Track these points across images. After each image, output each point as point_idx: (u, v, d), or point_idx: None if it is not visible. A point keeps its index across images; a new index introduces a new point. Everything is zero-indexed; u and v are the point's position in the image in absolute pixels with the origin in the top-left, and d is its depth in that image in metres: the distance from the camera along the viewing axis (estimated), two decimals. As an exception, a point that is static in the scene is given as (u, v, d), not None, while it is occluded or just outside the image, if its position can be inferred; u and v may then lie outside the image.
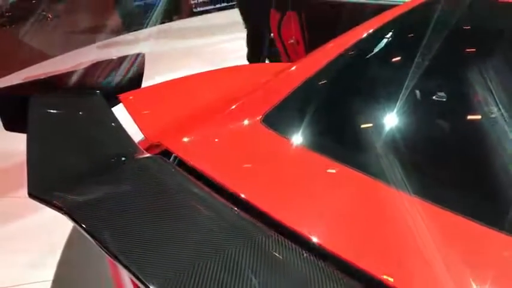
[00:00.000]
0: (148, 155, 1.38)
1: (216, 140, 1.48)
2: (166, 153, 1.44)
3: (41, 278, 2.62)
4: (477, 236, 1.04)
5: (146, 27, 8.81)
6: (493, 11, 1.90)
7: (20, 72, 6.11)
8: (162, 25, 9.14)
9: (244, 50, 4.63)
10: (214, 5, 10.34)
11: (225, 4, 10.32)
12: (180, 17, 9.98)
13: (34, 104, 1.71)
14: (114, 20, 8.76)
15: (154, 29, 8.75)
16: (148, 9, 9.19)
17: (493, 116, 1.43)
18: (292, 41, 3.87)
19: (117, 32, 8.47)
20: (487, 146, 1.32)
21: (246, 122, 1.54)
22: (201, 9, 10.32)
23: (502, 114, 1.42)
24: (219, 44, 7.07)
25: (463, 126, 1.50)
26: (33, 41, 7.29)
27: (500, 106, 1.45)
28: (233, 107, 1.61)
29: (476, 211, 1.11)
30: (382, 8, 2.10)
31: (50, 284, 2.57)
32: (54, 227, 2.92)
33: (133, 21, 8.80)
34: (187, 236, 1.03)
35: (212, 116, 1.58)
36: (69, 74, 1.83)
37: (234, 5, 10.16)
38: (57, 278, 2.61)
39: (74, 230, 2.96)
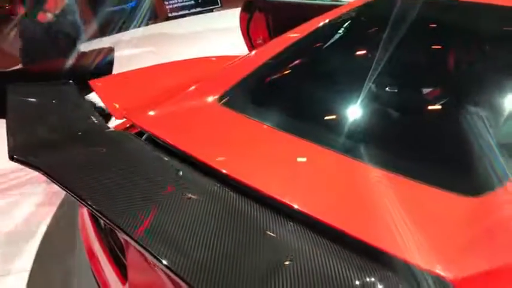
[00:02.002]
0: (114, 129, 1.57)
1: (177, 114, 1.67)
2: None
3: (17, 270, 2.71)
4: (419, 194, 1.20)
5: (120, 31, 8.91)
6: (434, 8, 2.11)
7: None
8: (137, 29, 9.26)
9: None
10: (189, 10, 10.48)
11: (199, 9, 10.47)
12: (155, 22, 10.10)
13: (12, 92, 1.86)
14: (89, 25, 8.82)
15: (128, 34, 8.86)
16: (123, 14, 9.28)
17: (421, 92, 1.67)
18: (260, 40, 4.05)
19: (92, 37, 8.54)
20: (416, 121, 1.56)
21: (204, 100, 1.73)
22: (176, 14, 10.45)
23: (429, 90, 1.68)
24: (190, 48, 7.21)
25: (393, 98, 1.70)
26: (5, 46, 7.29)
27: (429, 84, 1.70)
28: (192, 88, 1.80)
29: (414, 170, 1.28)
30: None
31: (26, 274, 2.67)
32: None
33: (108, 27, 8.88)
34: (147, 186, 1.21)
35: (173, 95, 1.75)
36: (44, 65, 1.99)
37: (208, 9, 10.38)
38: (34, 269, 2.70)
39: (50, 225, 3.09)
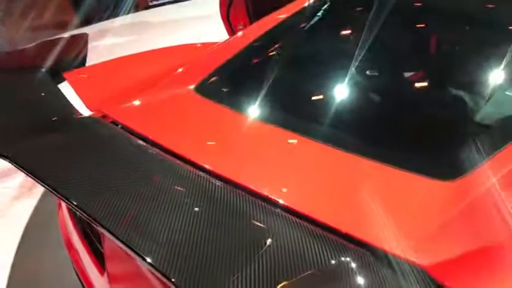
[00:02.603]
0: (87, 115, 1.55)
1: (152, 105, 1.65)
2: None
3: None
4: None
5: (101, 21, 8.79)
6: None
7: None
8: (117, 19, 9.14)
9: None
10: (170, -2, 10.35)
11: (180, -3, 10.34)
12: (136, 10, 9.97)
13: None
14: (69, 15, 8.69)
15: (108, 23, 8.75)
16: (103, 3, 9.14)
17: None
18: (240, 26, 4.02)
19: (72, 27, 8.43)
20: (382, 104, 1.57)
21: (180, 90, 1.72)
22: (156, 2, 10.33)
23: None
24: (171, 36, 7.15)
25: (369, 85, 1.71)
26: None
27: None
28: (169, 77, 1.78)
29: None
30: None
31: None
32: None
33: (88, 16, 8.75)
34: (120, 175, 1.20)
35: (148, 86, 1.74)
36: (17, 53, 1.95)
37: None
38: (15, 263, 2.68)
39: (31, 218, 3.07)
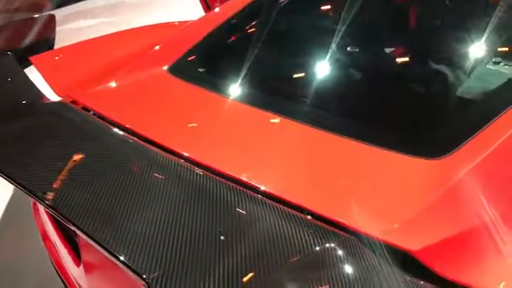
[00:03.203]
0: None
1: (124, 89, 1.58)
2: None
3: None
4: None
5: (71, 3, 8.53)
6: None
7: None
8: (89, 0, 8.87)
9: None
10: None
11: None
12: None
13: None
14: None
15: (82, 4, 8.49)
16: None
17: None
18: (217, 4, 3.93)
19: (47, 9, 8.18)
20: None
21: (153, 71, 1.65)
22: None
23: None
24: (147, 16, 6.97)
25: (347, 61, 1.66)
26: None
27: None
28: (141, 58, 1.71)
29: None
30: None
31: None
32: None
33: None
34: (89, 162, 1.14)
35: (118, 69, 1.66)
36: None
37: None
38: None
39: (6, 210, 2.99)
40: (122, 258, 0.83)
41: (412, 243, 0.89)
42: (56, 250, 1.66)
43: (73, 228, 0.93)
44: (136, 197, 1.01)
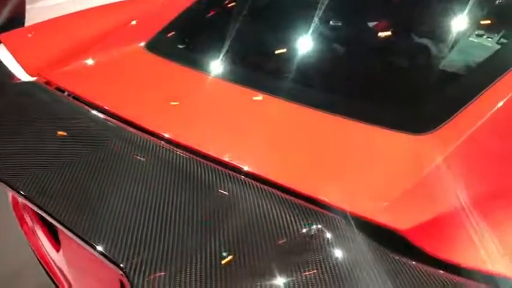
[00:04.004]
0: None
1: (98, 67, 1.52)
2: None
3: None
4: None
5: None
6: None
7: None
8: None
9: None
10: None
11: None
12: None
13: None
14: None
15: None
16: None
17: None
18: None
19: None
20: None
21: (129, 48, 1.58)
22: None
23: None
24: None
25: (329, 35, 1.61)
26: None
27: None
28: (116, 34, 1.64)
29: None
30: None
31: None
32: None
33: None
34: (62, 145, 1.10)
35: (93, 46, 1.59)
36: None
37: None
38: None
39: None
40: (97, 247, 0.79)
41: (400, 222, 0.86)
42: (34, 235, 1.61)
43: (45, 215, 0.88)
44: (112, 180, 0.97)
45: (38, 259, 1.62)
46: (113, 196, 0.92)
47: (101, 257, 0.79)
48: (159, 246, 0.80)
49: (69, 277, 1.37)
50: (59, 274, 1.44)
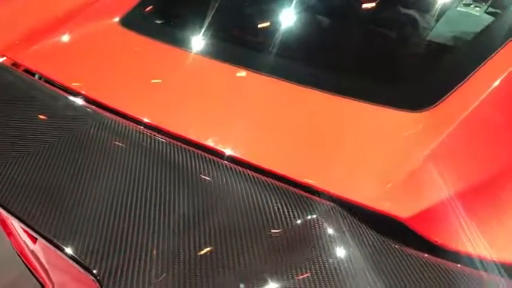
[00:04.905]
0: None
1: (69, 46, 1.42)
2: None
3: None
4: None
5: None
6: None
7: None
8: None
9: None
10: None
11: None
12: None
13: None
14: None
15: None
16: None
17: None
18: None
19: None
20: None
21: (102, 24, 1.47)
22: None
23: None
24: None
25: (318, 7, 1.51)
26: None
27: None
28: (88, 10, 1.52)
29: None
30: None
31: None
32: None
33: None
34: (30, 132, 1.00)
35: (64, 23, 1.48)
36: None
37: None
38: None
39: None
40: (65, 250, 0.71)
41: (403, 210, 0.79)
42: (10, 227, 1.52)
43: (6, 214, 0.79)
44: (85, 171, 0.88)
45: (17, 253, 1.55)
46: (86, 189, 0.83)
47: (71, 261, 0.71)
48: (136, 247, 0.72)
49: (52, 277, 1.30)
50: (43, 274, 1.37)
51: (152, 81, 1.26)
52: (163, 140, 0.98)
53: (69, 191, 0.82)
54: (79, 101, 1.15)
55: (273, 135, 1.01)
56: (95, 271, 0.68)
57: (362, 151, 0.94)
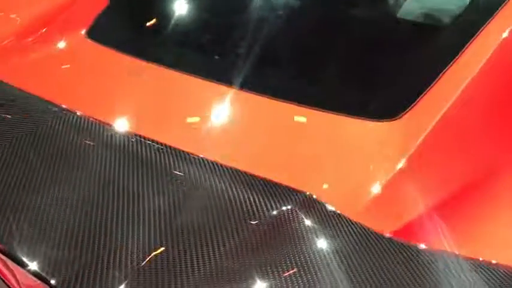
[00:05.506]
0: None
1: (35, 57, 1.39)
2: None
3: None
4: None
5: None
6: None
7: None
8: None
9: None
10: None
11: None
12: None
13: None
14: None
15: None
16: None
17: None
18: None
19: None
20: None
21: (68, 36, 1.44)
22: None
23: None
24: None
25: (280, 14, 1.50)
26: None
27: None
28: (53, 23, 1.49)
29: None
30: None
31: None
32: None
33: None
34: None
35: (30, 33, 1.46)
36: None
37: None
38: None
39: None
40: (20, 259, 0.65)
41: (386, 225, 0.76)
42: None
43: None
44: (40, 171, 0.82)
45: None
46: (40, 191, 0.78)
47: (25, 271, 0.65)
48: (99, 254, 0.67)
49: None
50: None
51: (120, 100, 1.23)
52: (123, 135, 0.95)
53: (23, 193, 0.77)
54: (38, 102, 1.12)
55: (237, 151, 0.98)
56: (52, 281, 0.63)
57: (333, 166, 0.91)
